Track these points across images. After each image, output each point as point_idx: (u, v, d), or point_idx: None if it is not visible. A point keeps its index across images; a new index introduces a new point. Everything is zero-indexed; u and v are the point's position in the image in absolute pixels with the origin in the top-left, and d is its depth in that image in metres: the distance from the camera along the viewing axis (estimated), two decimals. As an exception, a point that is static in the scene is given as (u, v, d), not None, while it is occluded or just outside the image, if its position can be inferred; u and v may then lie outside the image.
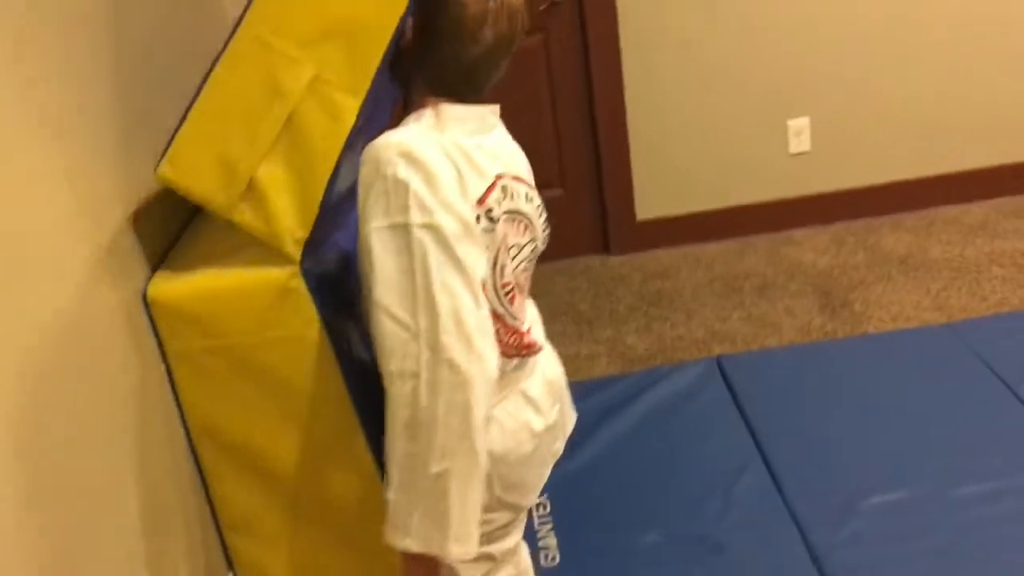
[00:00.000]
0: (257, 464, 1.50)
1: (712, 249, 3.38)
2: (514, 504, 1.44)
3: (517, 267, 1.37)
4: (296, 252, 1.39)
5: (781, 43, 3.22)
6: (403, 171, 1.20)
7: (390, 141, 1.23)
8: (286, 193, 1.37)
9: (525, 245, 1.38)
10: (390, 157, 1.22)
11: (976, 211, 3.33)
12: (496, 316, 1.33)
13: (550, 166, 3.35)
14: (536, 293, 1.51)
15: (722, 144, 3.36)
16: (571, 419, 1.63)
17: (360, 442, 1.48)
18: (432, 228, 1.20)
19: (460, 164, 1.26)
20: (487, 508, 1.35)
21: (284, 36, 1.35)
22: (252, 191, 1.37)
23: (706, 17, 3.19)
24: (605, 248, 3.49)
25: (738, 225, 3.43)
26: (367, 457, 1.49)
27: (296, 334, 1.44)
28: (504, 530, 1.45)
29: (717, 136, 3.35)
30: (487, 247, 1.29)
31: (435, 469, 1.19)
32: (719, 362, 2.68)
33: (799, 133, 3.34)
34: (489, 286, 1.31)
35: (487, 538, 1.39)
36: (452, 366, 1.18)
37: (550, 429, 1.48)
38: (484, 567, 1.43)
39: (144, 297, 1.45)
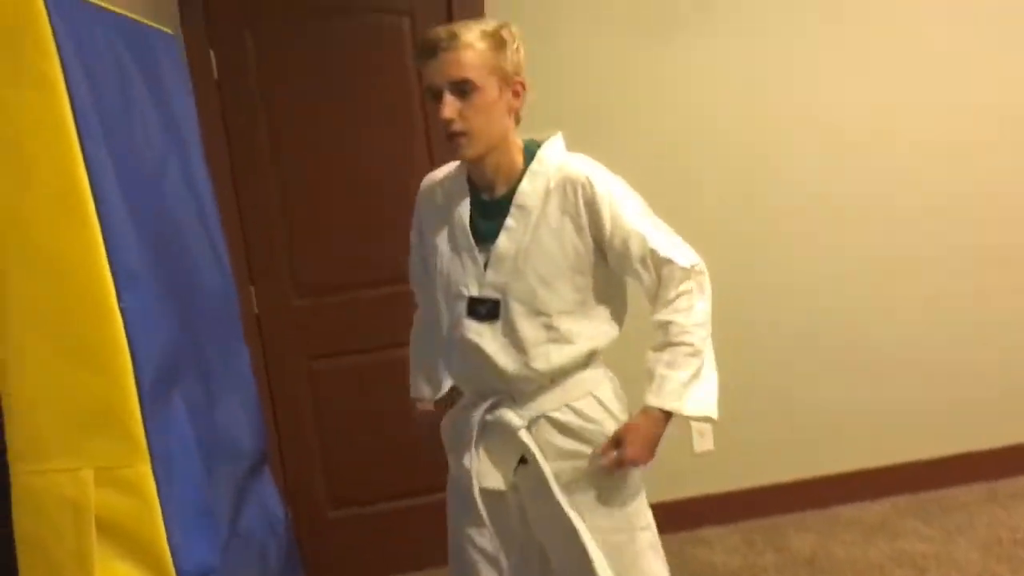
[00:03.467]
0: None
1: (625, 549, 3.39)
2: None
3: None
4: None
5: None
6: (611, 175, 1.91)
7: (577, 166, 1.88)
8: None
9: None
10: (594, 173, 1.87)
11: (876, 509, 3.45)
12: None
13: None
14: None
15: (630, 445, 3.46)
16: None
17: None
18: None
19: None
20: None
21: (45, 458, 1.45)
22: None
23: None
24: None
25: (650, 524, 3.47)
26: None
27: None
28: None
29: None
30: None
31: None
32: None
33: (703, 432, 3.48)
34: None
35: None
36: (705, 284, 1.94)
37: None
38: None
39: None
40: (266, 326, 3.34)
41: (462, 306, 1.88)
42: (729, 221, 3.39)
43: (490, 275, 1.86)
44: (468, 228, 1.89)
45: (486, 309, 1.86)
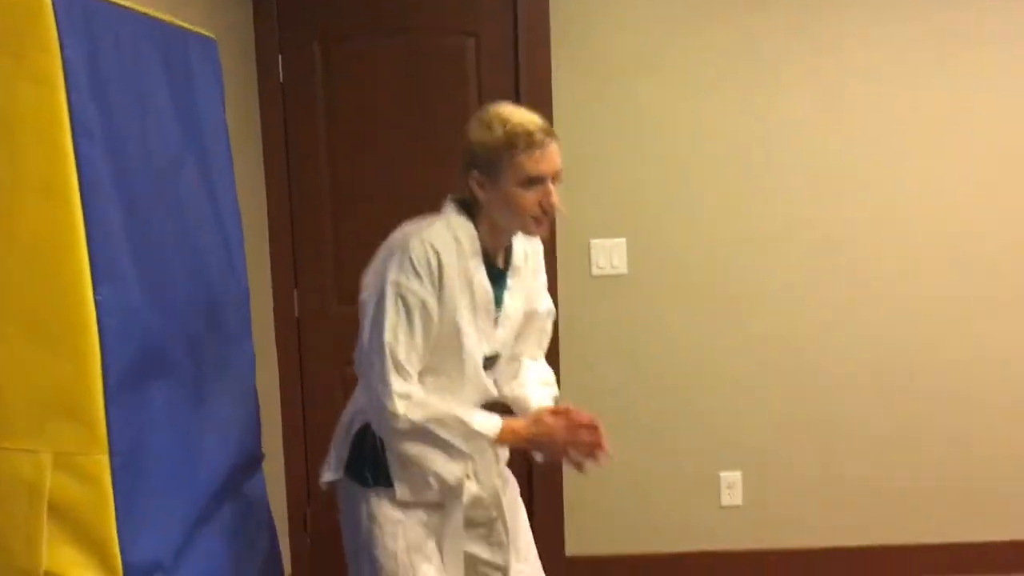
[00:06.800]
0: None
1: (638, 595, 3.32)
2: None
3: None
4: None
5: (716, 398, 3.35)
6: None
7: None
8: (83, 567, 1.45)
9: None
10: None
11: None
12: None
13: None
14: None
15: (654, 490, 3.40)
16: None
17: None
18: None
19: None
20: None
21: (8, 436, 1.49)
22: None
23: (641, 372, 3.35)
24: (531, 580, 3.43)
25: (667, 572, 3.39)
26: None
27: None
28: None
29: (650, 482, 3.40)
30: None
31: None
32: None
33: (731, 486, 3.39)
34: None
35: None
36: None
37: None
38: None
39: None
40: (305, 330, 3.40)
41: (479, 361, 1.98)
42: (761, 297, 3.32)
43: (499, 334, 2.02)
44: (492, 294, 1.98)
45: (490, 363, 2.03)
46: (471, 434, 1.89)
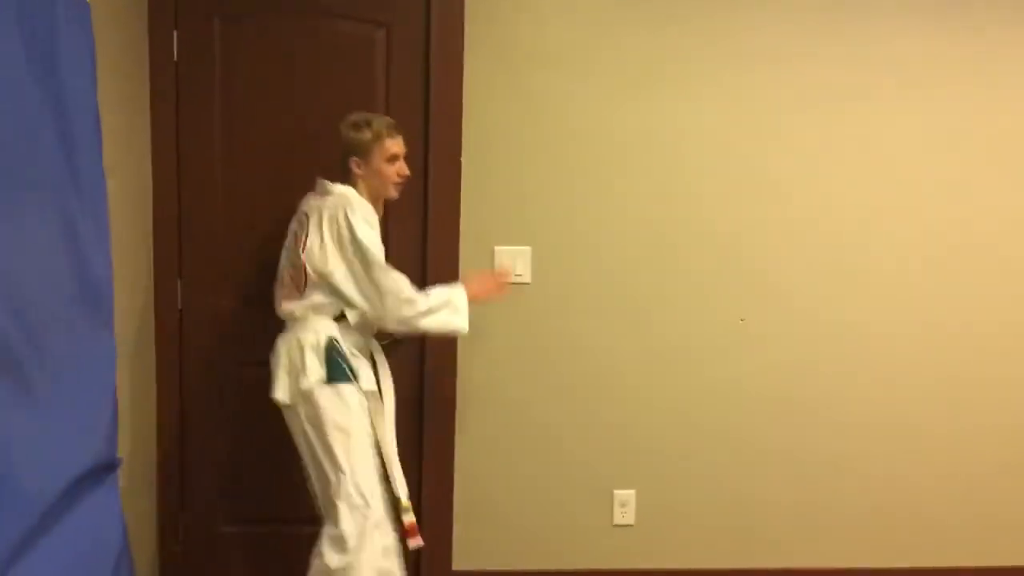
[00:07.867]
0: None
1: (525, 614, 3.22)
2: None
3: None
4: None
5: (613, 414, 3.28)
6: None
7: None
8: None
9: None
10: None
11: (793, 613, 3.27)
12: None
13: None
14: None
15: (547, 505, 3.31)
16: None
17: None
18: None
19: None
20: None
21: None
22: None
23: (540, 383, 3.26)
24: (416, 596, 3.31)
25: (555, 591, 3.31)
26: None
27: None
28: None
29: (543, 497, 3.31)
30: None
31: None
32: None
33: (624, 504, 3.32)
34: None
35: None
36: None
37: None
38: None
39: None
40: (188, 325, 3.20)
41: None
42: (691, 305, 3.26)
43: None
44: None
45: None
46: (451, 303, 2.69)
